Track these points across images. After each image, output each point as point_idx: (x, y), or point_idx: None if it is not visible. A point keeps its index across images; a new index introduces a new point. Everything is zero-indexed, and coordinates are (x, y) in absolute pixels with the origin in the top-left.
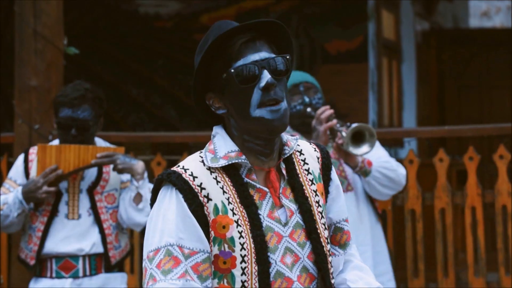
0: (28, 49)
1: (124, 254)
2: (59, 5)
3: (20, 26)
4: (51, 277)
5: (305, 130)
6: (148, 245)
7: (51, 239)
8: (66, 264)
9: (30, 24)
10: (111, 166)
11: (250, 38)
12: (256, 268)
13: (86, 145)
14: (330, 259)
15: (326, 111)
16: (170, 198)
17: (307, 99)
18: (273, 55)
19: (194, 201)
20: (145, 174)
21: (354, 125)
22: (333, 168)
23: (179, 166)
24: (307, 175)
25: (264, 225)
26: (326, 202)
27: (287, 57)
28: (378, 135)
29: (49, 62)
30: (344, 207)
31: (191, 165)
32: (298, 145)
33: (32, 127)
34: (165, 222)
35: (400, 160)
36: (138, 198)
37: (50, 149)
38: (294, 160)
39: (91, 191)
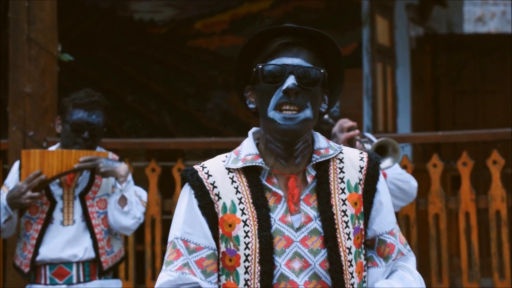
0: (22, 55)
1: (117, 260)
2: (53, 11)
3: (14, 32)
4: (45, 283)
5: None
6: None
7: (45, 246)
8: (60, 270)
9: (24, 30)
10: None
11: (291, 42)
12: (259, 268)
13: (69, 150)
14: (351, 269)
15: (349, 121)
16: (185, 194)
17: None
18: (308, 65)
19: (204, 198)
20: (129, 177)
21: (381, 139)
22: (381, 180)
23: (200, 163)
24: (340, 183)
25: (273, 227)
26: (368, 213)
27: (321, 70)
28: None
29: (43, 68)
30: (388, 220)
31: (211, 164)
32: (341, 153)
33: (27, 134)
34: (178, 216)
35: None
36: (123, 201)
37: (33, 155)
38: (332, 167)
39: (82, 197)
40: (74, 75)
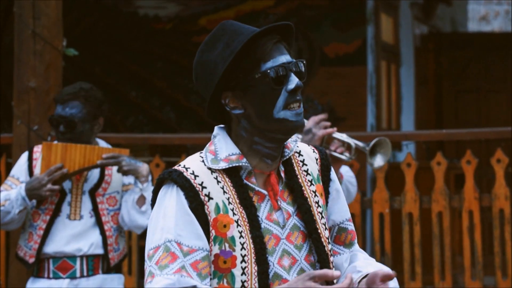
0: (27, 50)
1: (121, 257)
2: (59, 6)
3: (19, 27)
4: (48, 277)
5: None
6: (149, 243)
7: (52, 239)
8: (63, 264)
9: (29, 25)
10: (113, 168)
11: (278, 40)
12: (256, 268)
13: (92, 146)
14: (332, 258)
15: (324, 120)
16: (171, 196)
17: None
18: (294, 59)
19: (195, 199)
20: (150, 177)
21: (376, 139)
22: (332, 169)
23: (180, 165)
24: (306, 176)
25: (262, 227)
26: (327, 203)
27: (304, 62)
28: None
29: (48, 63)
30: (346, 207)
31: (192, 164)
32: (297, 146)
33: (31, 128)
34: (165, 219)
35: (398, 164)
36: (141, 200)
37: (55, 148)
38: (293, 161)
39: (93, 193)
40: (78, 71)
